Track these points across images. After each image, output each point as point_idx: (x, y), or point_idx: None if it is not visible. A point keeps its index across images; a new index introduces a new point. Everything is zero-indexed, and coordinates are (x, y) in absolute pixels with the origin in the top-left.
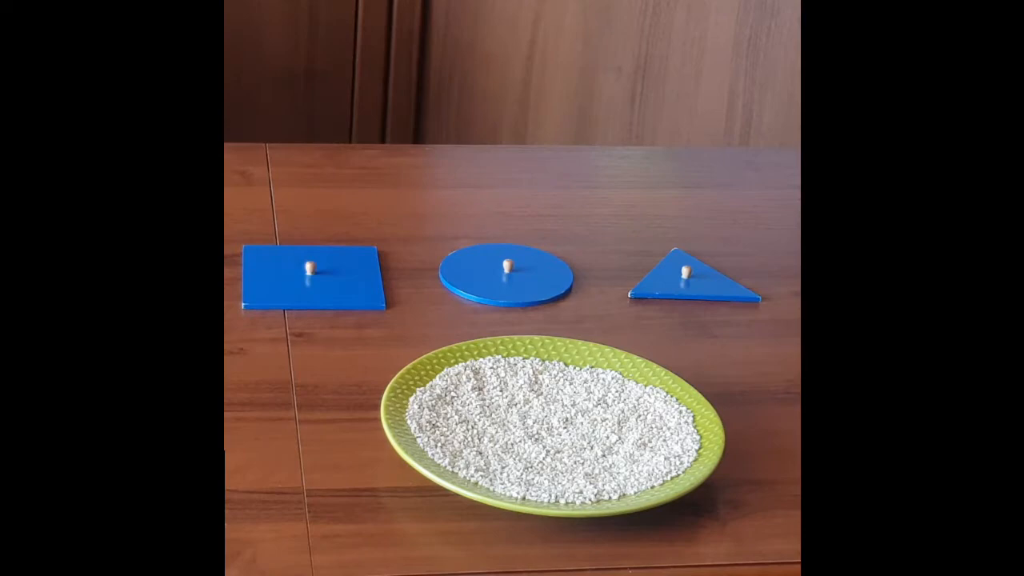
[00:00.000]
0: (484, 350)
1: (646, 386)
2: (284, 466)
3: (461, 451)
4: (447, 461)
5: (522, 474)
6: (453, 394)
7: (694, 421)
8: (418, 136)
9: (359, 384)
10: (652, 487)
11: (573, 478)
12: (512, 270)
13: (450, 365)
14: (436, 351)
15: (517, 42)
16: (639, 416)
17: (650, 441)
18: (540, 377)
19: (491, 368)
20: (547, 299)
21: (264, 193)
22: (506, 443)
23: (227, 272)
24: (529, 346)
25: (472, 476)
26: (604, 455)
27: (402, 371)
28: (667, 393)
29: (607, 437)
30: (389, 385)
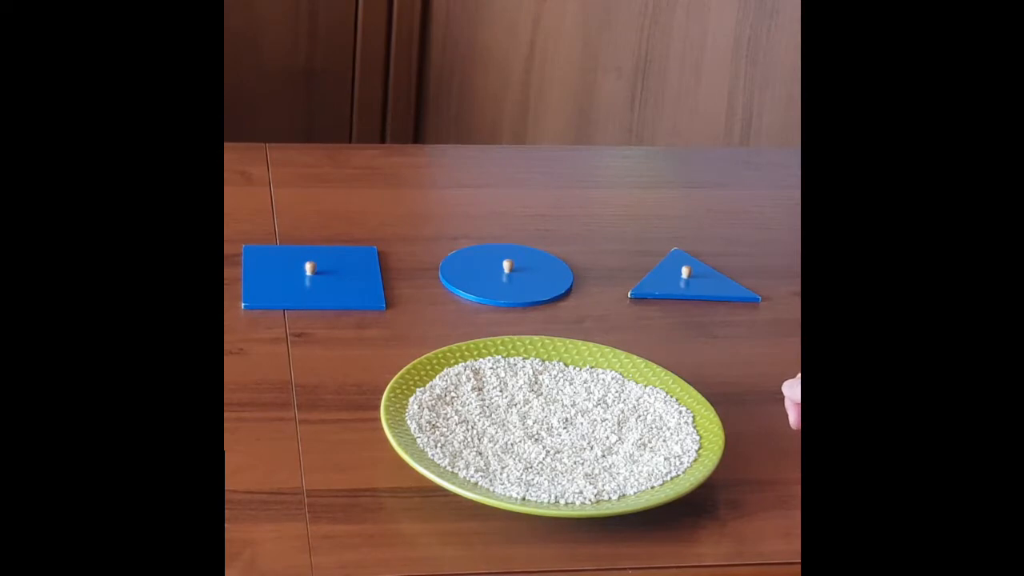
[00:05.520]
0: (484, 350)
1: (646, 386)
2: (284, 466)
3: (461, 451)
4: (447, 461)
5: (522, 474)
6: (453, 394)
7: (694, 421)
8: (418, 136)
9: (359, 384)
10: (652, 487)
11: (573, 478)
12: (512, 270)
13: (450, 365)
14: (436, 351)
15: (517, 42)
16: (639, 416)
17: (650, 441)
18: (540, 377)
19: (491, 368)
20: (547, 299)
21: (264, 193)
22: (506, 443)
23: (227, 272)
24: (529, 346)
25: (472, 476)
26: (604, 455)
27: (402, 371)
28: (667, 393)
29: (607, 437)
30: (389, 385)
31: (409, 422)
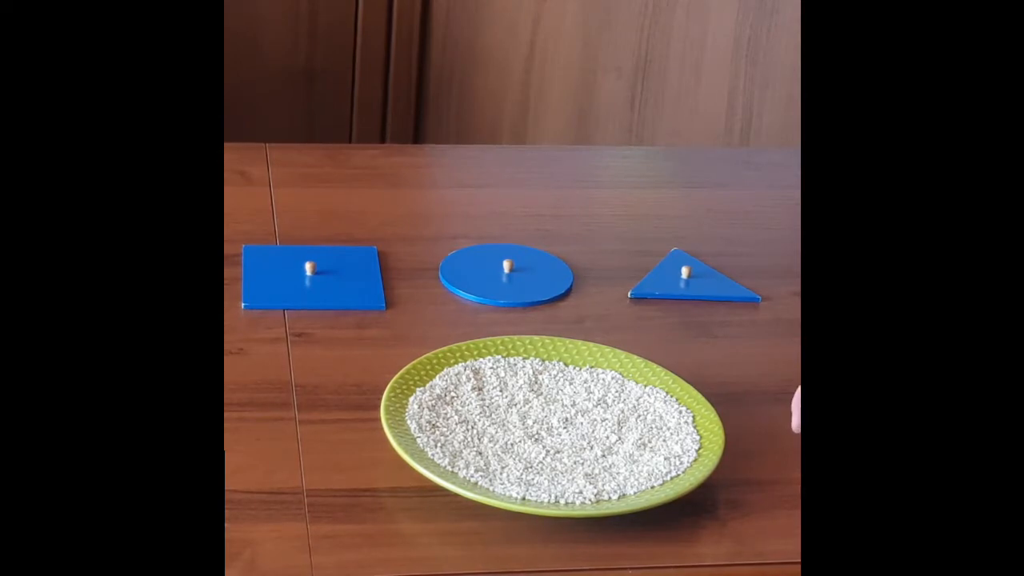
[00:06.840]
0: (484, 350)
1: (646, 386)
2: (284, 466)
3: (461, 451)
4: (447, 461)
5: (522, 474)
6: (453, 394)
7: (694, 421)
8: (418, 136)
9: (359, 384)
10: (652, 487)
11: (573, 478)
12: (512, 270)
13: (450, 365)
14: (436, 351)
15: (517, 42)
16: (639, 416)
17: (650, 441)
18: (540, 377)
19: (491, 368)
20: (547, 299)
21: (264, 193)
22: (506, 443)
23: (227, 272)
24: (529, 346)
25: (472, 476)
26: (604, 455)
27: (402, 371)
28: (667, 393)
29: (607, 437)
30: (389, 385)
31: (409, 422)
